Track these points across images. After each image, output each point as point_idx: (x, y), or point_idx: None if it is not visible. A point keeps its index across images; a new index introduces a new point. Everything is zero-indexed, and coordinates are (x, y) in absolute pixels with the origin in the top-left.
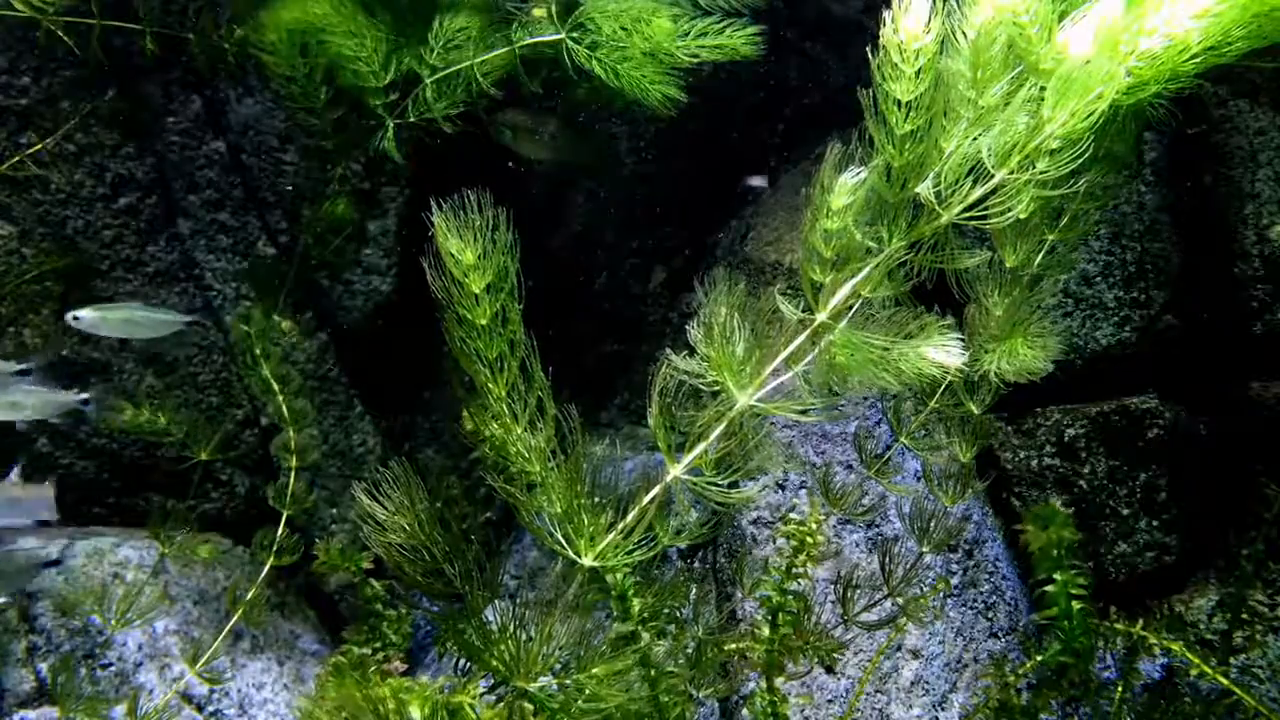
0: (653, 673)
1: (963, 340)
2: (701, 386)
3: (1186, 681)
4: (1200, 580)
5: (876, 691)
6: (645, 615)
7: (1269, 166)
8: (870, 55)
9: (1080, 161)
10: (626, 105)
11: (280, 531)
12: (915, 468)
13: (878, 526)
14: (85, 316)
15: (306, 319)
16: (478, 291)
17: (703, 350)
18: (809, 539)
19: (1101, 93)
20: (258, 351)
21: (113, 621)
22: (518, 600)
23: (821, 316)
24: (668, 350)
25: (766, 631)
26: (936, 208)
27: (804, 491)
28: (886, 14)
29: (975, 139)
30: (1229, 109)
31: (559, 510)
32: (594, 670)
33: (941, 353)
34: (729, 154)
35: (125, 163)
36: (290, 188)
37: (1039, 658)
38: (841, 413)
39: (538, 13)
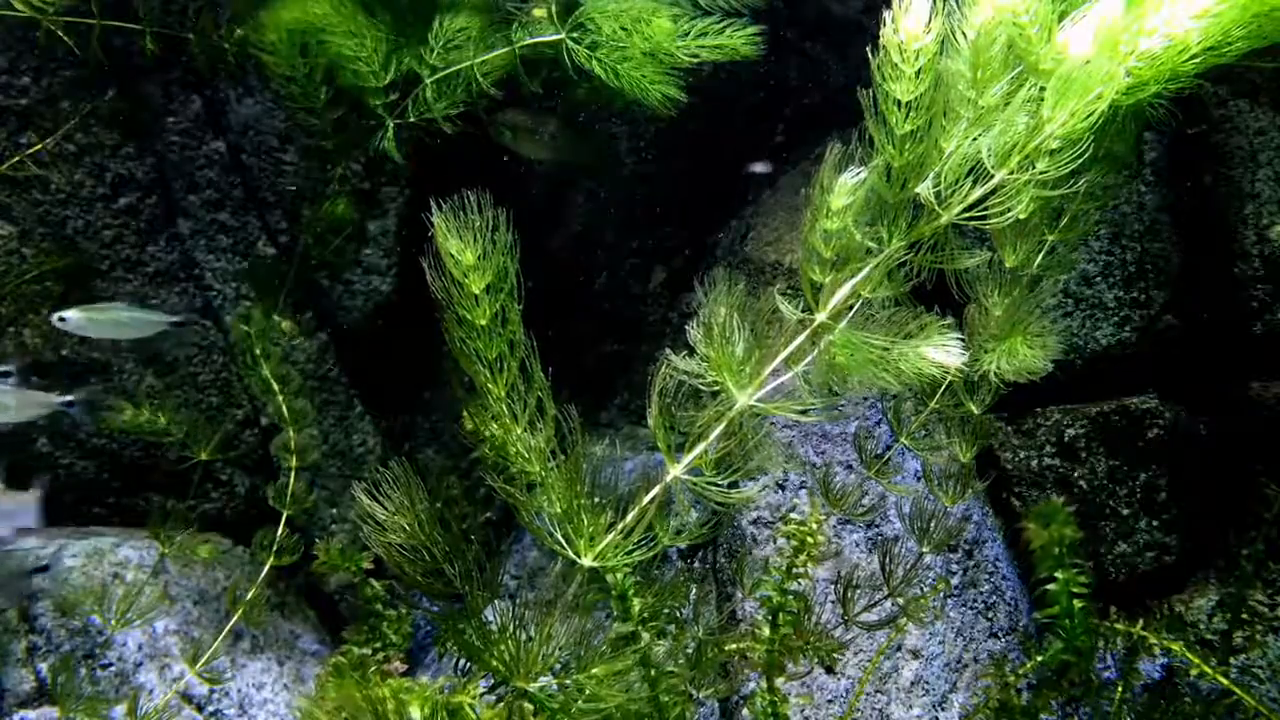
0: (653, 673)
1: (962, 340)
2: (701, 386)
3: (1186, 681)
4: (1200, 580)
5: (876, 691)
6: (645, 615)
7: (1269, 166)
8: (870, 55)
9: (1080, 162)
10: (626, 105)
11: (280, 531)
12: (915, 468)
13: (878, 526)
14: (71, 318)
15: (306, 319)
16: (477, 292)
17: (702, 350)
18: (809, 539)
19: (1101, 93)
20: (258, 351)
21: (113, 621)
22: (518, 600)
23: (821, 317)
24: (667, 350)
25: (767, 631)
26: (936, 208)
27: (804, 491)
28: (886, 14)
29: (975, 139)
30: (1229, 109)
31: (559, 510)
32: (594, 670)
33: (941, 353)
34: (729, 154)
35: (125, 163)
36: (290, 188)
37: (1039, 657)
38: (841, 413)
39: (538, 13)
